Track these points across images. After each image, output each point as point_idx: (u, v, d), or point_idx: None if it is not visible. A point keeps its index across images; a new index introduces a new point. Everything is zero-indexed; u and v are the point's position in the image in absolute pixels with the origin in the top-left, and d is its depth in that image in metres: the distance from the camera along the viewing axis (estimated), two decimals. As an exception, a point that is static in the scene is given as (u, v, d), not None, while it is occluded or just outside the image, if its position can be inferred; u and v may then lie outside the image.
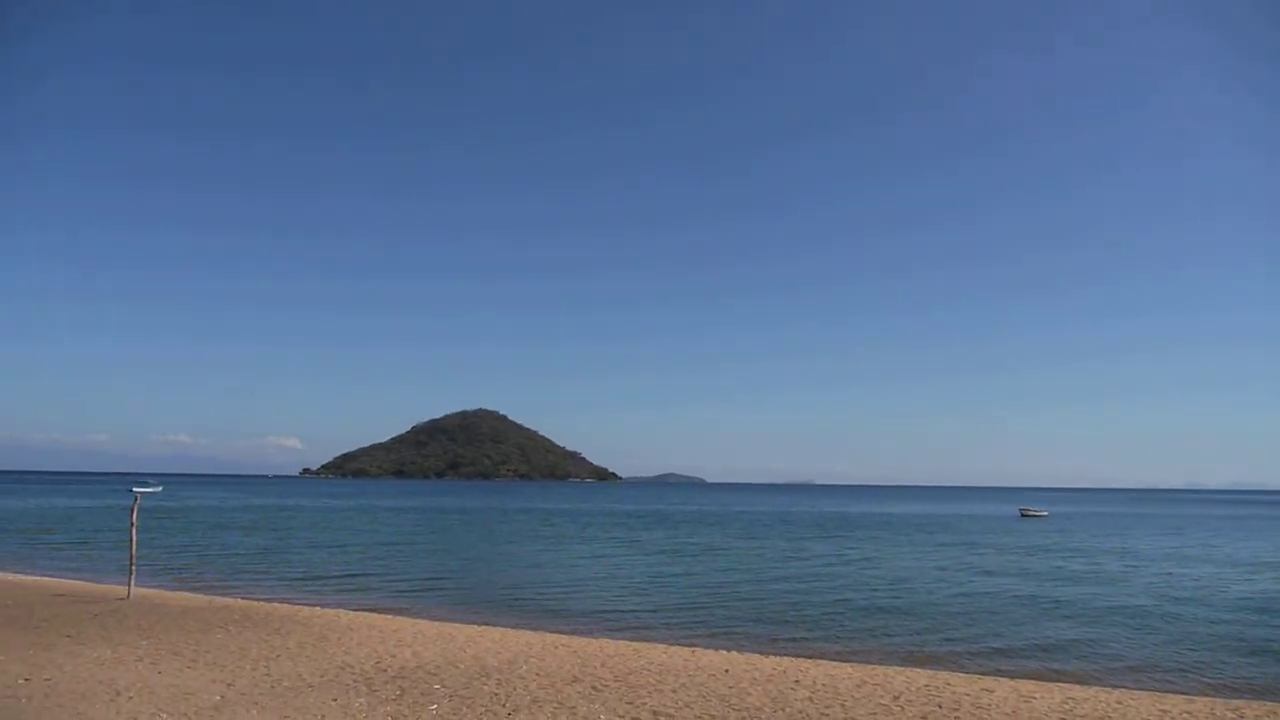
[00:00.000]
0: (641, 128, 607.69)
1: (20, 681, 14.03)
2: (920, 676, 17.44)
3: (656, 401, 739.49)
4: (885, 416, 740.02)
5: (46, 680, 14.23)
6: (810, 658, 20.14)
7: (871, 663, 19.79)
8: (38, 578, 32.29)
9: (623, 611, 27.95)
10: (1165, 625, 26.47)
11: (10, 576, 32.23)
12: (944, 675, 17.91)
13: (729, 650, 20.81)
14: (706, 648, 21.08)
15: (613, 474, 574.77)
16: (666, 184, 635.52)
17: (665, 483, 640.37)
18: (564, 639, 21.39)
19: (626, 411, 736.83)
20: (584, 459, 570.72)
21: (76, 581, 31.51)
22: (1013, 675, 18.71)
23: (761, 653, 20.64)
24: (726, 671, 17.09)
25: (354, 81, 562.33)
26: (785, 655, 20.37)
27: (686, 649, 20.44)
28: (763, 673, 17.10)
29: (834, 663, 19.36)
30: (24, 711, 12.07)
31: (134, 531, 27.35)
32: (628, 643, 21.34)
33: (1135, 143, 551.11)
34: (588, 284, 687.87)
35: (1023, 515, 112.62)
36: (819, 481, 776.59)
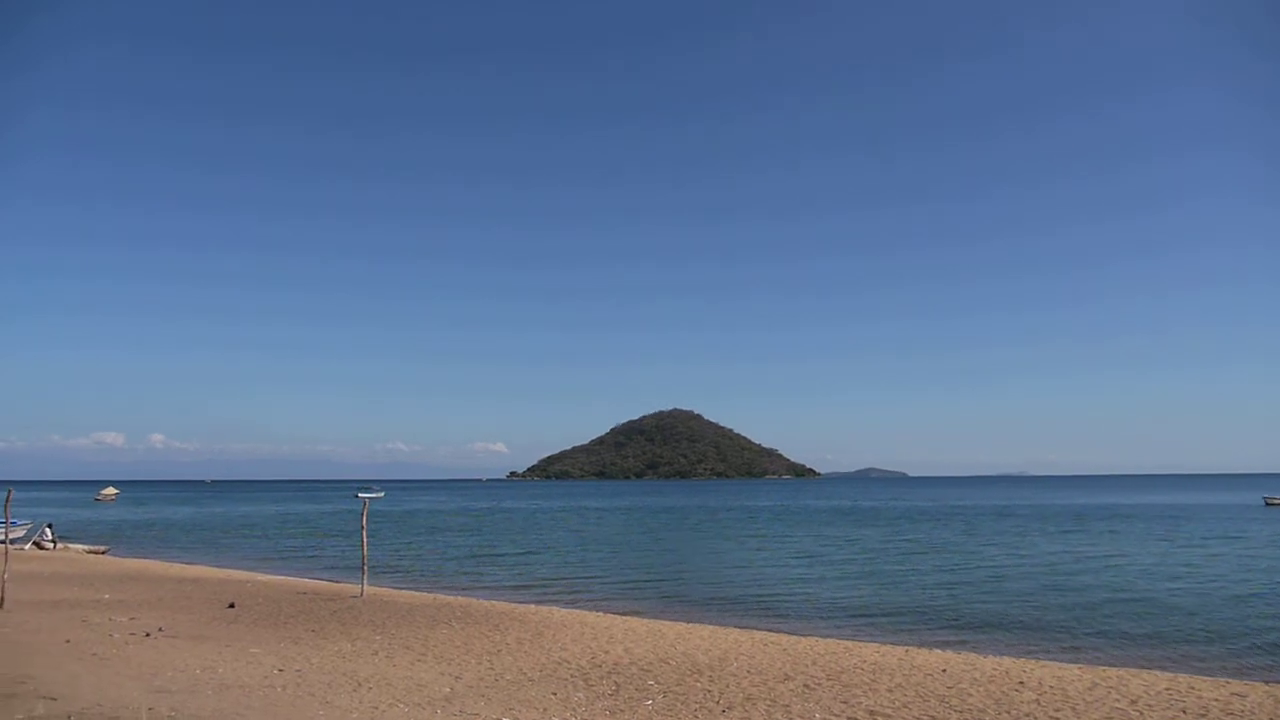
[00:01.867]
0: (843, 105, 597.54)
1: (275, 672, 15.32)
2: (1160, 680, 16.19)
3: (854, 396, 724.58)
4: (1099, 403, 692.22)
5: (297, 671, 15.46)
6: (1034, 658, 19.14)
7: (1104, 664, 18.58)
8: (283, 577, 35.21)
9: (833, 610, 27.48)
10: None
11: (260, 577, 35.32)
12: (1186, 678, 16.55)
13: (945, 650, 20.09)
14: (922, 647, 20.44)
15: (810, 470, 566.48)
16: (842, 167, 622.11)
17: (866, 478, 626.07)
18: (774, 637, 21.28)
19: (823, 407, 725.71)
20: (781, 455, 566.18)
21: (316, 581, 34.22)
22: (1268, 679, 17.10)
23: (981, 653, 19.79)
24: (944, 671, 16.47)
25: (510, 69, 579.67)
26: (1006, 655, 19.46)
27: (900, 648, 19.86)
28: (983, 673, 16.37)
29: (1061, 664, 18.30)
30: (279, 699, 13.14)
31: (364, 534, 29.37)
32: (839, 641, 20.99)
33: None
34: (784, 276, 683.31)
35: (1268, 504, 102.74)
36: (1031, 473, 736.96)
